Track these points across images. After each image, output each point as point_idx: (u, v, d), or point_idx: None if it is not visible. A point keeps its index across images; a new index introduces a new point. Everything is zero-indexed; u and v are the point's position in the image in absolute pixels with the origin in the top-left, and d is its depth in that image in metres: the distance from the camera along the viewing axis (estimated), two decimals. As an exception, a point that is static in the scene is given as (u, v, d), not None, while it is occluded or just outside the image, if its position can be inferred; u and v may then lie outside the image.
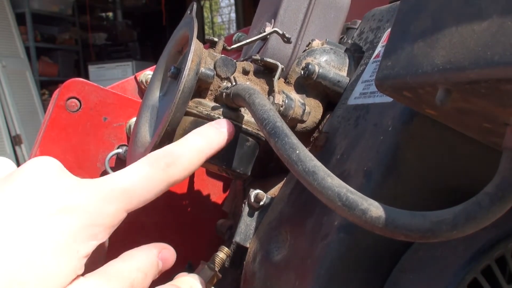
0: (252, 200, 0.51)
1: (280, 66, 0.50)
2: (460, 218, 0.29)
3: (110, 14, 7.28)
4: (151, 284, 0.35)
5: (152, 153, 0.37)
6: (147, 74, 0.68)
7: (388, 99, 0.43)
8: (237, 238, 0.51)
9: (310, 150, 0.42)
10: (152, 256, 0.36)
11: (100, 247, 0.33)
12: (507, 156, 0.29)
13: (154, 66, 0.59)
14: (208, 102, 0.48)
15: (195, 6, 0.51)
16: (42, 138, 0.62)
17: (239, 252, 0.53)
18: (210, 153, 0.40)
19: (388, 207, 0.30)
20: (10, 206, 0.30)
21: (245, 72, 0.51)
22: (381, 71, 0.33)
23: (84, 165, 0.63)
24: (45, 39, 5.19)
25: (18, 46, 4.56)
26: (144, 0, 6.90)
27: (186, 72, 0.44)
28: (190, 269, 0.62)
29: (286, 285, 0.44)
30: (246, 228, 0.51)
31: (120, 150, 0.63)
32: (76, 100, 0.62)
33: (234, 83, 0.48)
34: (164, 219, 0.68)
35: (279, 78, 0.51)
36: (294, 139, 0.35)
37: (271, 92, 0.51)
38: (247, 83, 0.50)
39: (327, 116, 0.54)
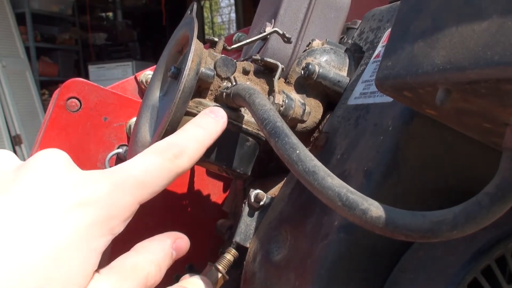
0: (252, 200, 0.51)
1: (280, 66, 0.50)
2: (460, 218, 0.29)
3: (110, 14, 7.27)
4: (158, 285, 0.34)
5: (157, 144, 0.36)
6: (147, 74, 0.68)
7: (388, 99, 0.43)
8: (237, 238, 0.51)
9: (310, 150, 0.42)
10: (166, 247, 0.35)
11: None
12: (507, 156, 0.29)
13: (154, 66, 0.59)
14: (208, 102, 0.48)
15: (195, 6, 0.51)
16: (42, 138, 0.62)
17: (239, 252, 0.53)
18: (210, 143, 0.40)
19: (388, 207, 0.30)
20: (26, 203, 0.29)
21: (245, 72, 0.51)
22: (381, 71, 0.33)
23: (84, 165, 0.63)
24: (45, 39, 5.19)
25: (18, 46, 4.56)
26: (144, 0, 6.90)
27: (186, 72, 0.44)
28: (191, 270, 0.62)
29: (286, 285, 0.44)
30: (246, 228, 0.51)
31: (120, 150, 0.63)
32: (76, 100, 0.62)
33: (234, 83, 0.48)
34: (164, 219, 0.68)
35: (279, 78, 0.51)
36: (294, 139, 0.35)
37: (271, 92, 0.51)
38: (247, 83, 0.50)
39: (327, 116, 0.54)
